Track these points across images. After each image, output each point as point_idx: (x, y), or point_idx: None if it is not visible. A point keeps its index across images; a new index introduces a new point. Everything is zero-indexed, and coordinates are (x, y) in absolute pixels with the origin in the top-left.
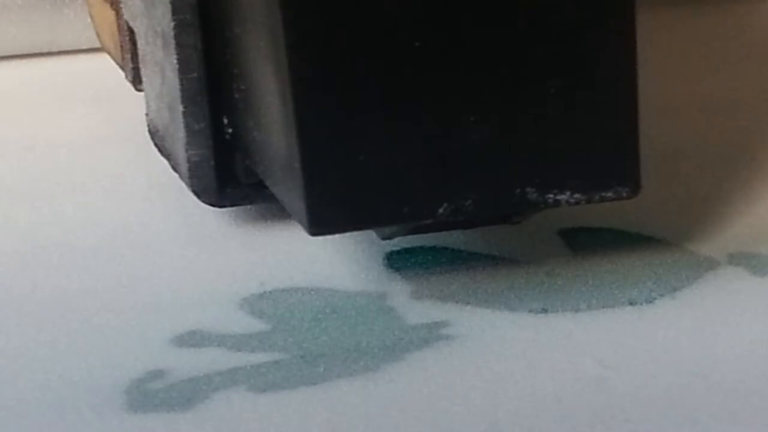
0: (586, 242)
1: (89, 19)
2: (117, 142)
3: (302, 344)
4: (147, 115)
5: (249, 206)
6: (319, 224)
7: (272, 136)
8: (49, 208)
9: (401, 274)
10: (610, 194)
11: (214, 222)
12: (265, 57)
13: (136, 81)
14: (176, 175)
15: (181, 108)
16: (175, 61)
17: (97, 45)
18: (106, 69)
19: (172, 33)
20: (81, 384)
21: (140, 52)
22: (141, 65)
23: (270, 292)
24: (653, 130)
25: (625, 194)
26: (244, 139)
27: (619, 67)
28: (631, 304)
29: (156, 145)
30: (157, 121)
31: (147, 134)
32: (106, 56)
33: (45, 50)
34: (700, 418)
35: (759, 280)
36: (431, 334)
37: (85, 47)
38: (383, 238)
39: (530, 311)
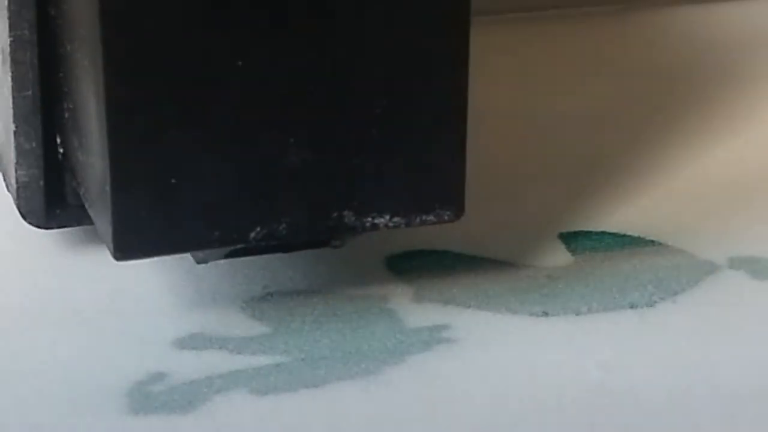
0: (587, 246)
1: None
2: None
3: (303, 347)
4: None
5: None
6: (124, 249)
7: (91, 157)
8: None
9: (402, 278)
10: (431, 217)
11: None
12: (88, 76)
13: None
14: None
15: (12, 127)
16: (10, 79)
17: None
18: None
19: (8, 50)
20: (83, 386)
21: None
22: None
23: (271, 295)
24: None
25: (447, 217)
26: (71, 159)
27: (447, 88)
28: (631, 307)
29: None
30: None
31: None
32: None
33: None
34: (700, 421)
35: (759, 284)
36: (432, 337)
37: None
38: (198, 262)
39: (531, 314)
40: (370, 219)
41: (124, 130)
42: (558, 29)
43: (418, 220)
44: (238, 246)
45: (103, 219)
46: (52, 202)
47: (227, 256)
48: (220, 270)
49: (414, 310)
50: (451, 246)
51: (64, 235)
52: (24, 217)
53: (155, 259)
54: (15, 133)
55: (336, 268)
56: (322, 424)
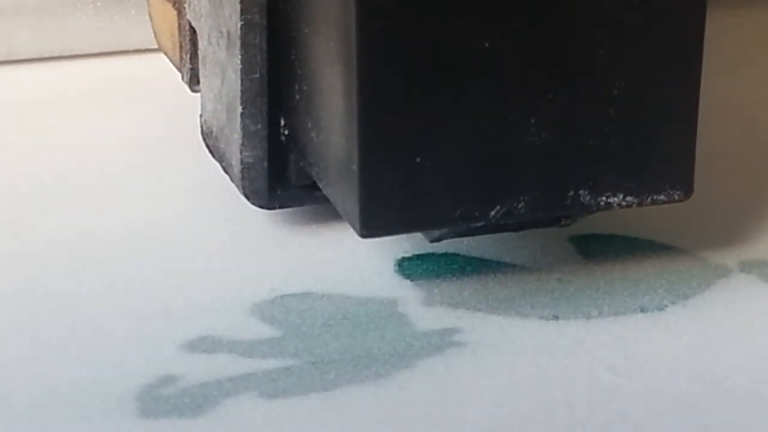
0: (598, 249)
1: (102, 23)
2: (128, 148)
3: (313, 350)
4: (201, 116)
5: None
6: (370, 226)
7: (331, 137)
8: (61, 214)
9: (412, 281)
10: (662, 197)
11: (226, 229)
12: (334, 57)
13: (193, 82)
14: (226, 177)
15: (239, 109)
16: (239, 62)
17: (107, 49)
18: (159, 69)
19: (238, 33)
20: (92, 390)
21: (201, 53)
22: (200, 66)
23: (281, 298)
24: None
25: (677, 197)
26: (301, 140)
27: (683, 70)
28: (642, 311)
29: (208, 146)
30: (212, 122)
31: (194, 137)
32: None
33: (56, 55)
34: (711, 425)
35: None
36: (442, 341)
37: (96, 51)
38: (431, 241)
39: (541, 318)
40: (604, 198)
41: (373, 110)
42: None
43: (649, 199)
44: (477, 224)
45: (347, 197)
46: (274, 182)
47: (460, 234)
48: (229, 273)
49: (424, 313)
50: (461, 249)
51: (70, 237)
52: (248, 197)
53: (162, 262)
54: (242, 114)
55: (346, 271)
56: (332, 427)
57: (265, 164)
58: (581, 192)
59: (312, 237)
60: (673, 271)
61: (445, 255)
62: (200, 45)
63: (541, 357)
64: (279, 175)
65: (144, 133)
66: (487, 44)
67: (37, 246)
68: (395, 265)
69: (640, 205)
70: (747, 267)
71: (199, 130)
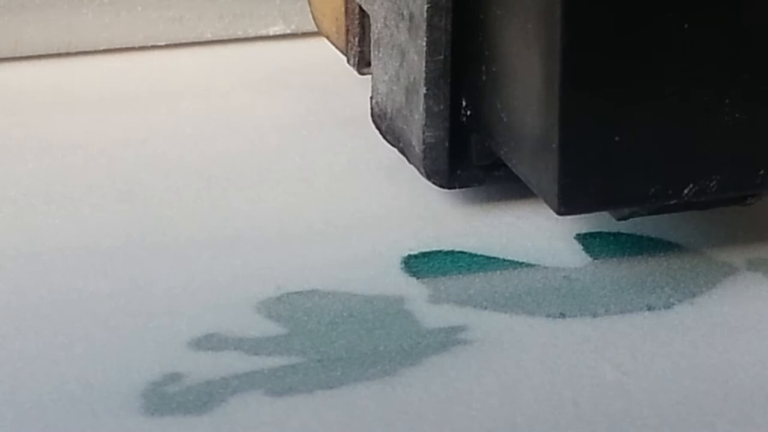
0: (604, 247)
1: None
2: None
3: (319, 348)
4: (372, 98)
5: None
6: (568, 204)
7: (527, 116)
8: (67, 211)
9: (419, 278)
10: None
11: (232, 226)
12: (532, 39)
13: (361, 65)
14: (405, 159)
15: (423, 90)
16: (423, 44)
17: (112, 45)
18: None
19: (424, 15)
20: (98, 387)
21: (374, 36)
22: (373, 49)
23: (287, 295)
24: None
25: None
26: (487, 120)
27: None
28: (649, 309)
29: (380, 129)
30: (387, 104)
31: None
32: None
33: (63, 51)
34: (718, 423)
35: None
36: (449, 339)
37: (102, 48)
38: (618, 219)
39: (548, 316)
40: None
41: (575, 89)
42: None
43: None
44: (669, 203)
45: (544, 176)
46: (455, 162)
47: (650, 213)
48: (235, 270)
49: (430, 311)
50: (467, 247)
51: (76, 235)
52: (428, 177)
53: (167, 258)
54: (425, 95)
55: (352, 268)
56: (338, 425)
57: (447, 144)
58: None
59: (318, 234)
60: (680, 269)
61: (452, 252)
62: (373, 28)
63: (548, 355)
64: (460, 155)
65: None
66: (686, 25)
67: (43, 243)
68: (401, 263)
69: None
70: (754, 265)
71: (369, 112)
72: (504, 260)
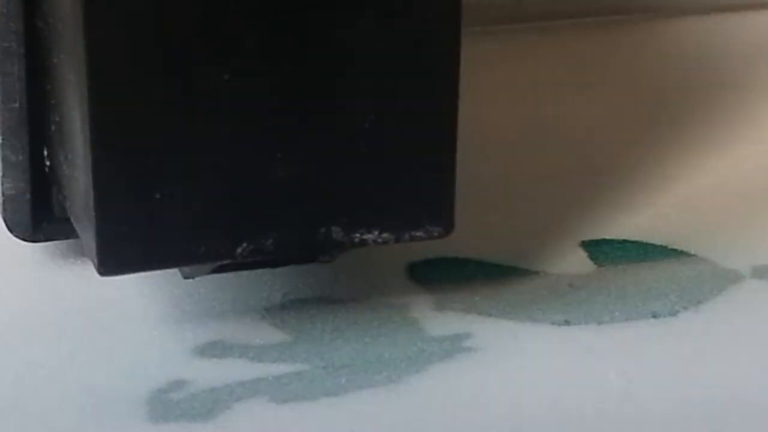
0: (609, 254)
1: None
2: None
3: (324, 355)
4: None
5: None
6: (109, 264)
7: (76, 171)
8: None
9: (423, 286)
10: (420, 233)
11: None
12: (73, 89)
13: None
14: None
15: None
16: None
17: None
18: None
19: None
20: (103, 394)
21: None
22: None
23: (292, 302)
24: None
25: (437, 233)
26: (57, 173)
27: (436, 103)
28: (654, 316)
29: None
30: None
31: None
32: None
33: None
34: (723, 431)
35: None
36: (454, 346)
37: None
38: (185, 277)
39: (553, 323)
40: (358, 235)
41: (108, 144)
42: (564, 39)
43: (407, 236)
44: (223, 262)
45: (87, 234)
46: (38, 215)
47: (214, 271)
48: (240, 277)
49: (435, 318)
50: (472, 254)
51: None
52: (10, 230)
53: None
54: (1, 145)
55: (357, 276)
56: None
57: (28, 196)
58: (333, 228)
59: None
60: (685, 277)
61: (457, 260)
62: None
63: (553, 362)
64: (44, 208)
65: None
66: (226, 77)
67: (48, 248)
68: (406, 270)
69: (397, 241)
70: (759, 272)
71: None
72: (509, 267)
